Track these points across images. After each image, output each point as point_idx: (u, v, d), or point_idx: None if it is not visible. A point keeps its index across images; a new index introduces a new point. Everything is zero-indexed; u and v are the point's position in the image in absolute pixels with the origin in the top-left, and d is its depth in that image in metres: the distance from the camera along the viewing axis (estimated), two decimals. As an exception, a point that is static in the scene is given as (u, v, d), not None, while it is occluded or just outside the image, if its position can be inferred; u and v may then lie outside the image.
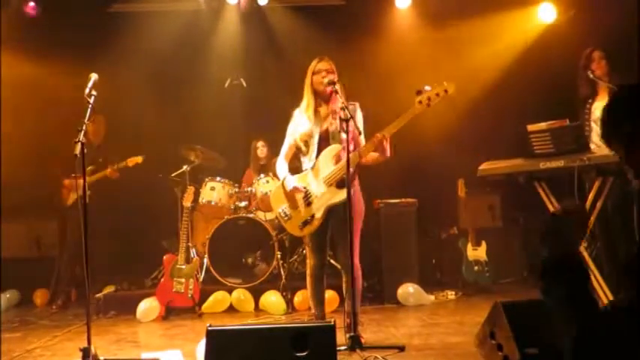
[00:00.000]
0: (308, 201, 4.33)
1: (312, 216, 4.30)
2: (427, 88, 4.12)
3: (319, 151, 4.33)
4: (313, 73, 4.35)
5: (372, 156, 4.28)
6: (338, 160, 4.26)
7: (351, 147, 4.16)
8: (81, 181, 6.28)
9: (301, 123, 4.40)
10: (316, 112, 4.37)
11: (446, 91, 4.11)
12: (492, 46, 7.19)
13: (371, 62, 7.23)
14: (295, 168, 4.57)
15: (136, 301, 5.90)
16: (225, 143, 7.14)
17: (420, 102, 4.12)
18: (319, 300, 4.49)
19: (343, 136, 4.15)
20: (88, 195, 6.22)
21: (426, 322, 5.23)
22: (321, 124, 4.35)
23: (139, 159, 6.36)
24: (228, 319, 5.77)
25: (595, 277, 4.85)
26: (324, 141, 4.34)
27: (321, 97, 4.38)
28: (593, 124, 5.06)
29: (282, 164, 4.49)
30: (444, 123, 6.93)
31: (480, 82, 7.09)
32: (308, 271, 4.47)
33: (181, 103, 7.53)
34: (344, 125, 4.08)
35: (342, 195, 4.16)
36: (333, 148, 4.29)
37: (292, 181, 4.36)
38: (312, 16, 7.41)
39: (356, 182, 4.34)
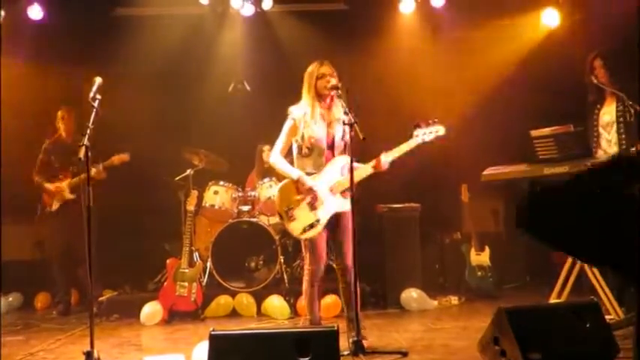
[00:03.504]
0: (314, 205, 4.34)
1: (318, 220, 4.33)
2: (421, 127, 4.41)
3: (324, 157, 4.38)
4: (317, 78, 4.35)
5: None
6: (349, 170, 4.29)
7: None
8: (63, 183, 6.31)
9: (306, 125, 4.38)
10: (321, 116, 4.39)
11: (438, 130, 4.41)
12: (496, 51, 7.17)
13: (374, 67, 7.23)
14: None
15: (138, 304, 5.91)
16: (228, 147, 7.13)
17: (417, 136, 4.40)
18: (315, 305, 4.51)
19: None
20: (73, 199, 6.26)
21: (429, 328, 5.22)
22: (327, 129, 4.38)
23: (126, 157, 6.18)
24: (231, 323, 5.77)
25: (596, 278, 4.85)
26: (330, 148, 4.39)
27: (324, 102, 4.39)
28: (601, 130, 5.05)
29: (283, 161, 4.47)
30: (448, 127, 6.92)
31: (483, 87, 7.08)
32: (306, 277, 4.48)
33: (185, 106, 7.53)
34: (347, 129, 4.14)
35: (348, 204, 4.29)
36: (342, 159, 4.36)
37: (309, 181, 4.35)
38: (316, 21, 7.41)
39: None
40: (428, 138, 4.38)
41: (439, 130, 4.42)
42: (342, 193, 4.32)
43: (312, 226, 4.34)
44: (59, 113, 6.41)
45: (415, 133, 4.37)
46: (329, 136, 4.37)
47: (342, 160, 4.35)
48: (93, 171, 6.07)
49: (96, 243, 6.14)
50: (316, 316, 4.51)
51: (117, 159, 6.20)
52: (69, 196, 6.31)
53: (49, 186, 6.38)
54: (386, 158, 4.33)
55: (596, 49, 5.14)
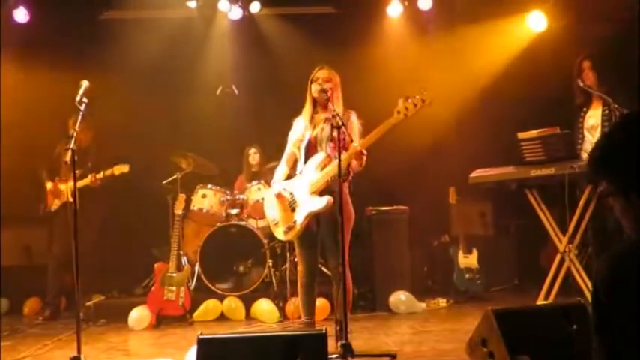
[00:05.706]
0: (292, 207, 4.36)
1: (295, 222, 4.33)
2: (400, 104, 4.09)
3: (306, 156, 4.38)
4: (311, 81, 4.40)
5: (353, 164, 4.26)
6: (324, 167, 4.28)
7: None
8: (64, 186, 6.31)
9: (298, 129, 4.46)
10: (312, 118, 4.43)
11: (423, 100, 4.03)
12: (483, 54, 7.20)
13: (362, 70, 7.23)
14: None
15: (126, 309, 5.87)
16: (216, 151, 7.13)
17: (398, 112, 4.06)
18: (309, 307, 4.48)
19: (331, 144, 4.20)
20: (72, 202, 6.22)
21: (417, 330, 5.23)
22: (312, 130, 4.39)
23: (126, 168, 6.16)
24: (220, 327, 5.75)
25: (583, 280, 4.88)
26: (312, 147, 4.39)
27: (319, 105, 4.42)
28: (586, 133, 5.09)
29: (280, 169, 4.53)
30: (435, 130, 6.95)
31: (470, 90, 7.11)
32: (298, 277, 4.49)
33: (173, 110, 7.52)
34: (335, 132, 4.11)
35: (323, 202, 4.20)
36: (319, 156, 4.33)
37: (276, 187, 4.41)
38: (304, 24, 7.43)
39: (345, 189, 4.34)
40: (411, 112, 4.01)
41: (425, 99, 4.01)
42: (320, 192, 4.25)
43: (290, 228, 4.34)
44: (70, 121, 6.29)
45: (397, 109, 4.05)
46: (313, 137, 4.38)
47: (318, 158, 4.31)
48: (89, 179, 6.11)
49: (95, 247, 6.21)
50: (309, 318, 4.48)
51: (117, 169, 6.15)
52: (69, 199, 6.28)
53: (48, 184, 6.46)
54: (355, 146, 4.11)
55: (584, 52, 5.18)
